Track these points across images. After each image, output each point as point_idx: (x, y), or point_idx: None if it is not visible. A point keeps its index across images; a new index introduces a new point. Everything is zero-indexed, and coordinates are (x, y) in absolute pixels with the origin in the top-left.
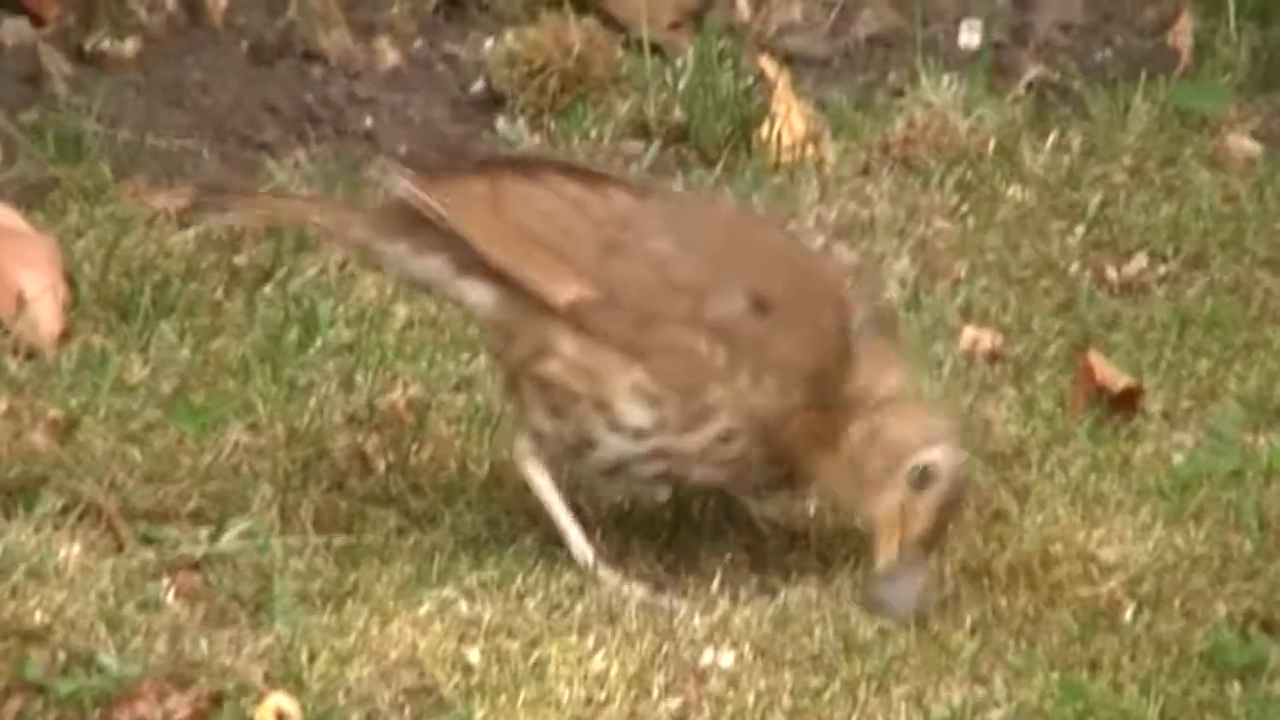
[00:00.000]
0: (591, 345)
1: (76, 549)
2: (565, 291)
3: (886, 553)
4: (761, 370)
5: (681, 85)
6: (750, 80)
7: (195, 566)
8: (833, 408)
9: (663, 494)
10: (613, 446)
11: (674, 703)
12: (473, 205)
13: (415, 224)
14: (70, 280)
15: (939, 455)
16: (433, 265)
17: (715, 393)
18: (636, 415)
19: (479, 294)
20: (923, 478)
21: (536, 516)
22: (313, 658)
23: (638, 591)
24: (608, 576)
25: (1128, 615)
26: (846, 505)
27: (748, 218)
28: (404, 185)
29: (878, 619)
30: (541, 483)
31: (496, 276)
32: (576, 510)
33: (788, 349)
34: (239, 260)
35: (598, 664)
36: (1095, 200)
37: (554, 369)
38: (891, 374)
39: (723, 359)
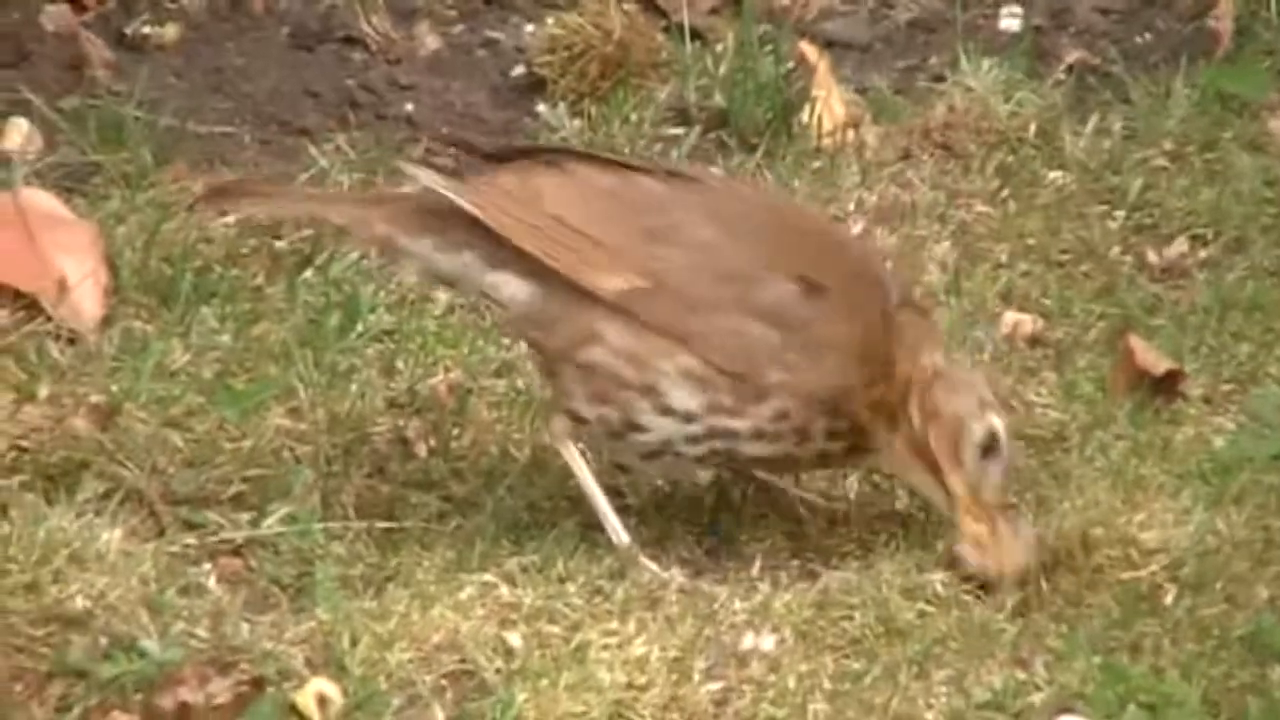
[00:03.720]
0: (638, 331)
1: (118, 534)
2: (613, 281)
3: (970, 526)
4: (816, 350)
5: (722, 70)
6: (790, 65)
7: (237, 551)
8: (887, 383)
9: (703, 476)
10: (660, 429)
11: (715, 687)
12: (506, 201)
13: (441, 219)
14: (112, 266)
15: (996, 422)
16: (461, 261)
17: (770, 375)
18: (686, 399)
19: (513, 287)
20: (988, 447)
21: (577, 501)
22: (354, 642)
23: (678, 576)
24: (646, 561)
25: (1169, 599)
26: (915, 485)
27: (780, 201)
28: (434, 181)
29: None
30: (579, 466)
31: (531, 269)
32: (617, 495)
33: (840, 329)
34: (280, 245)
35: (638, 648)
36: (1136, 184)
37: (598, 355)
38: (931, 346)
39: (776, 341)
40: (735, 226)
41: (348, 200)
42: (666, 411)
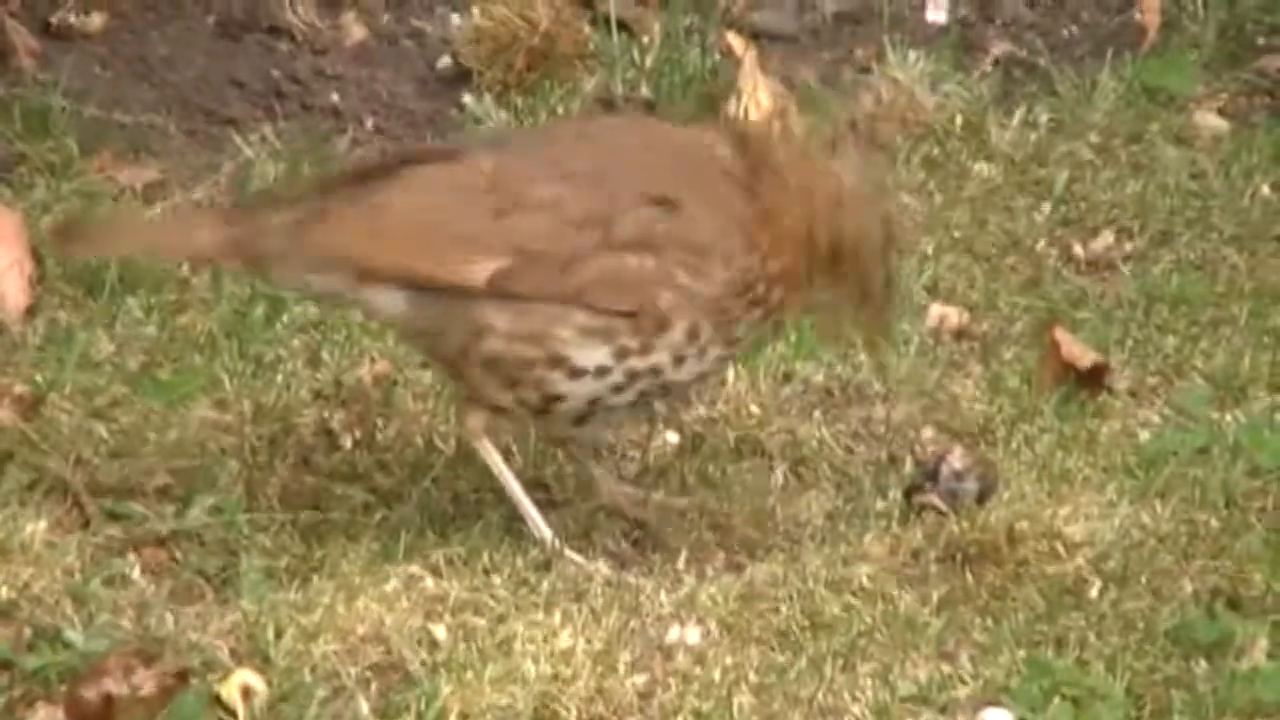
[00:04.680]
0: (522, 308)
1: (43, 525)
2: (479, 270)
3: None
4: (696, 259)
5: (649, 62)
6: (717, 57)
7: (162, 542)
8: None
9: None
10: (580, 392)
11: (640, 679)
12: (350, 229)
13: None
14: (37, 255)
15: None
16: (333, 279)
17: (663, 299)
18: (593, 355)
19: (388, 299)
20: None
21: (503, 493)
22: (279, 634)
23: (603, 568)
24: (571, 553)
25: (1094, 592)
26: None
27: (597, 128)
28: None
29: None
30: (496, 462)
31: (401, 277)
32: (543, 488)
33: (708, 231)
34: None
35: (564, 640)
36: (1062, 177)
37: (495, 345)
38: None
39: (653, 266)
40: (573, 175)
41: (204, 226)
42: (578, 374)
